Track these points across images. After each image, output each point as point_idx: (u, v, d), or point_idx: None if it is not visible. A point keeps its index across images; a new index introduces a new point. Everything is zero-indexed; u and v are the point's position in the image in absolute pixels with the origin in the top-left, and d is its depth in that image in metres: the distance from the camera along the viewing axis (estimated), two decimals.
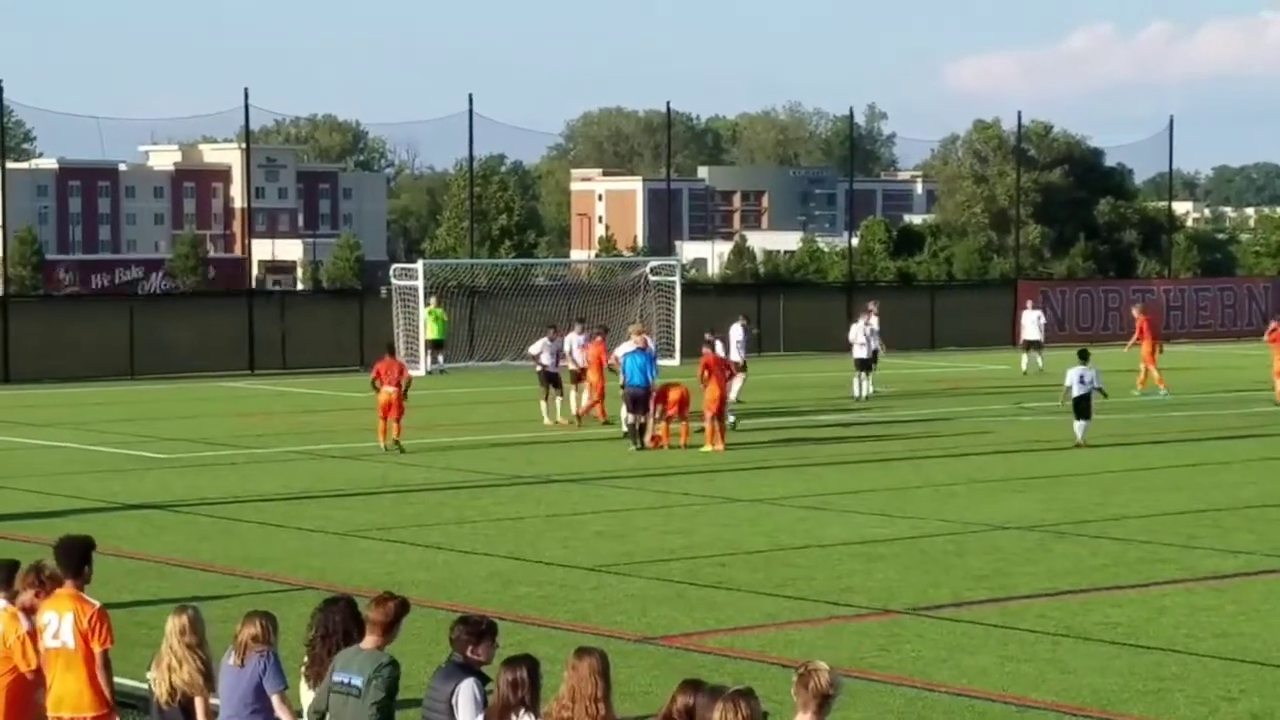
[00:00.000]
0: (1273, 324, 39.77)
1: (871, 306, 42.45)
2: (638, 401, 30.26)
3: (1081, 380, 31.10)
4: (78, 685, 10.69)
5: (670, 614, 17.04)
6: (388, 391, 30.66)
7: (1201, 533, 21.73)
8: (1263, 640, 16.01)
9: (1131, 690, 14.21)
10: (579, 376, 35.44)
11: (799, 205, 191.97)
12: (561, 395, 34.62)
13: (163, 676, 10.31)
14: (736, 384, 38.62)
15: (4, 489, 25.78)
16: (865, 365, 39.74)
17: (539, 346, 34.91)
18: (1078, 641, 15.88)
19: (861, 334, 40.08)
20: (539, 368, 34.64)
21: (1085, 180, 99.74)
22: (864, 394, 39.44)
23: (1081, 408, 30.99)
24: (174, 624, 10.36)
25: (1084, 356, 32.27)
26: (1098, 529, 22.02)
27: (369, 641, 9.64)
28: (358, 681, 9.49)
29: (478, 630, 9.42)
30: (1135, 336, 42.01)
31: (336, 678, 9.61)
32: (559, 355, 34.88)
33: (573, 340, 35.75)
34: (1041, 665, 15.01)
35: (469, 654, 9.39)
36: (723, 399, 30.28)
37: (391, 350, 33.77)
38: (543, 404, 34.30)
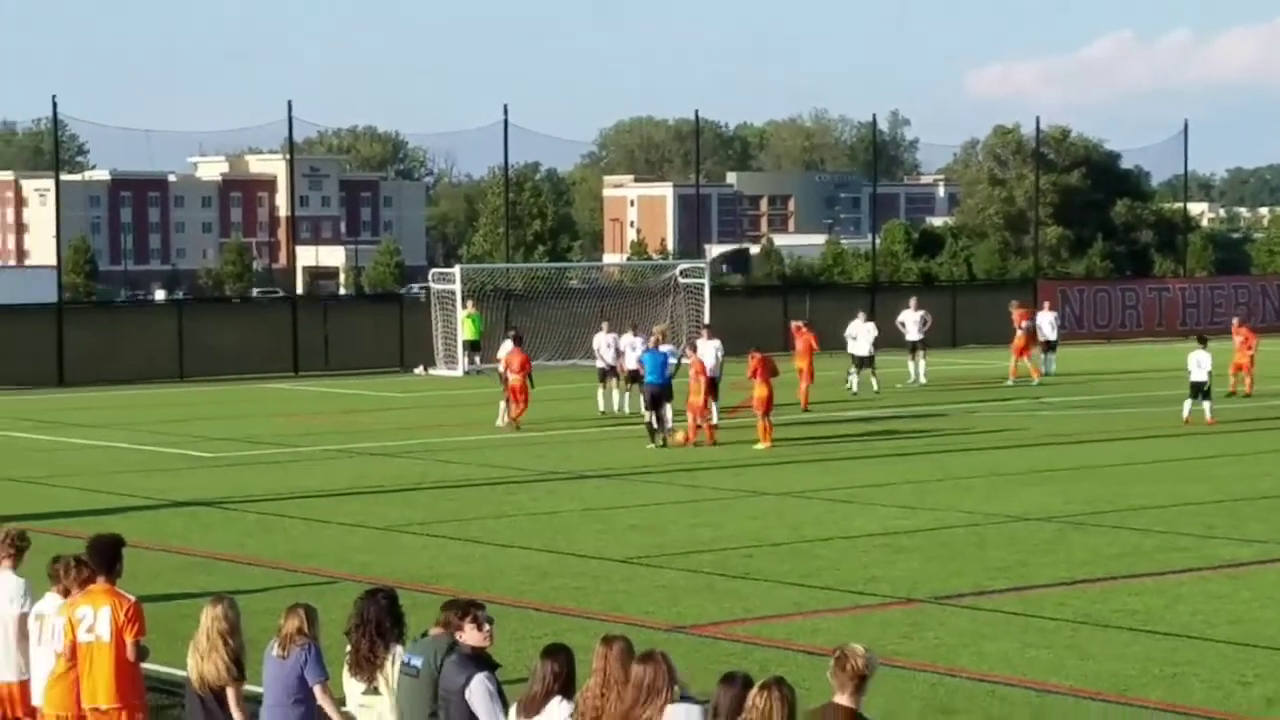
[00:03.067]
0: (1235, 320, 41.66)
1: (913, 302, 44.56)
2: (657, 399, 30.26)
3: (1199, 365, 32.83)
4: (112, 677, 10.74)
5: (700, 604, 17.03)
6: (513, 378, 32.36)
7: (1218, 522, 21.61)
8: (1277, 626, 15.90)
9: (1148, 675, 14.14)
10: (608, 373, 35.81)
11: (824, 209, 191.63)
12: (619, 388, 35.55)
13: (195, 663, 10.39)
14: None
15: (57, 488, 25.91)
16: (915, 348, 42.71)
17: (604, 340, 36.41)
18: (1095, 628, 15.81)
19: (916, 323, 42.82)
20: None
21: (1102, 182, 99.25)
22: (915, 379, 42.05)
23: (1198, 390, 32.79)
24: (208, 613, 10.41)
25: (1203, 342, 34.06)
26: (1116, 520, 21.92)
27: (437, 630, 9.68)
28: (416, 662, 9.52)
29: (460, 611, 9.45)
30: (1019, 328, 43.90)
31: (402, 659, 9.69)
32: (618, 351, 35.65)
33: (601, 340, 36.30)
34: (1060, 652, 14.95)
35: (460, 636, 9.38)
36: (769, 398, 30.08)
37: (519, 340, 34.11)
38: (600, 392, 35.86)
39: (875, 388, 39.82)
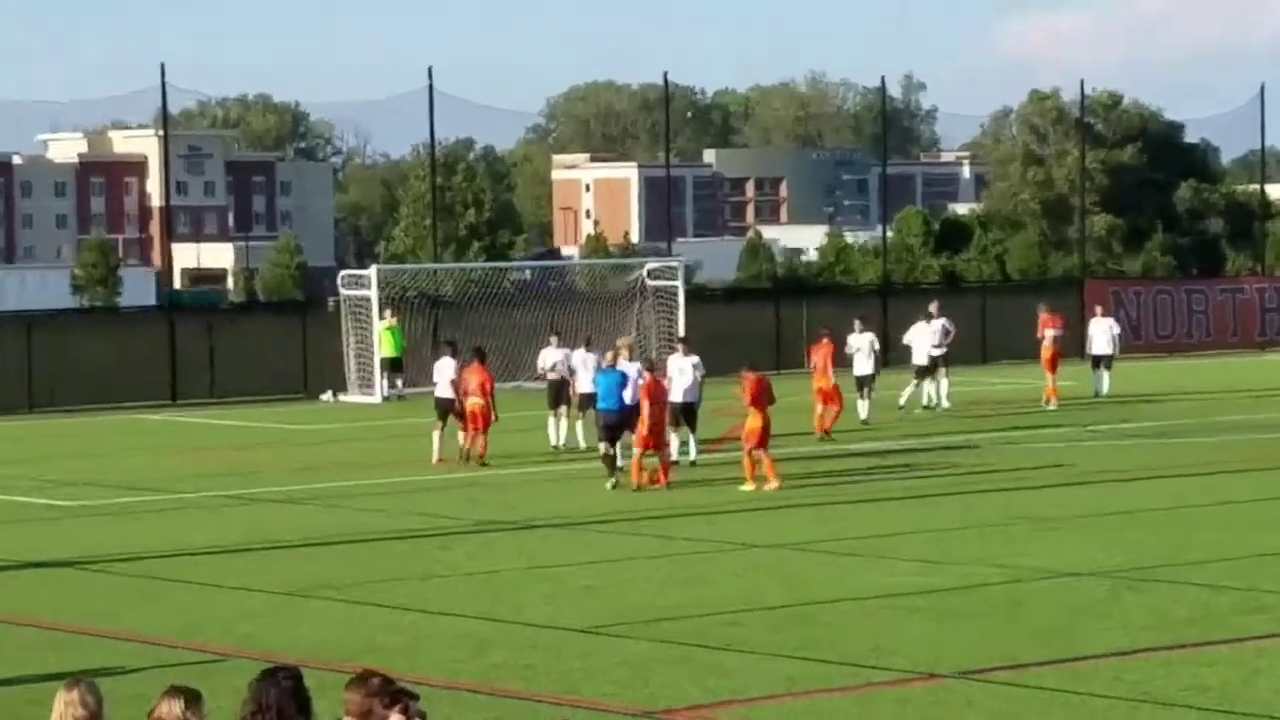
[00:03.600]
0: None
1: (933, 308, 44.28)
2: (613, 430, 30.26)
3: None
4: None
5: (674, 682, 17.10)
6: (474, 402, 32.41)
7: None
8: None
9: None
10: (561, 398, 35.86)
11: (823, 194, 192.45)
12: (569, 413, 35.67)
13: None
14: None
15: None
16: (932, 368, 42.38)
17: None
18: (1158, 708, 15.93)
19: (934, 335, 42.49)
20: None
21: (1161, 160, 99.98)
22: (937, 402, 42.24)
23: None
24: (62, 698, 10.35)
25: None
26: (1179, 574, 22.08)
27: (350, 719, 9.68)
28: None
29: (388, 698, 9.39)
30: (1045, 339, 44.31)
31: None
32: (570, 369, 35.70)
33: (548, 356, 36.39)
34: None
35: None
36: (764, 430, 29.68)
37: (482, 356, 34.04)
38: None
39: (864, 414, 39.42)
